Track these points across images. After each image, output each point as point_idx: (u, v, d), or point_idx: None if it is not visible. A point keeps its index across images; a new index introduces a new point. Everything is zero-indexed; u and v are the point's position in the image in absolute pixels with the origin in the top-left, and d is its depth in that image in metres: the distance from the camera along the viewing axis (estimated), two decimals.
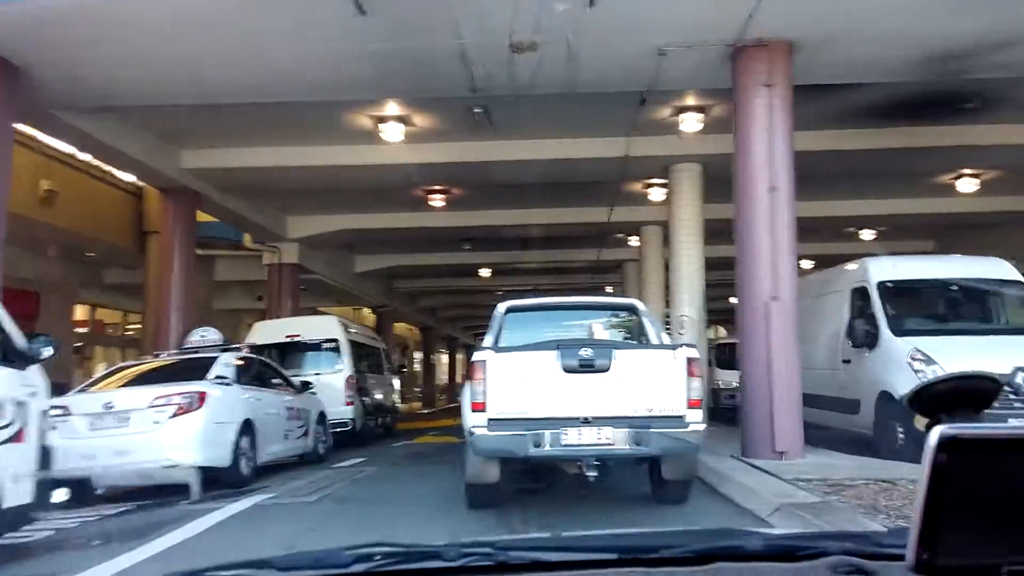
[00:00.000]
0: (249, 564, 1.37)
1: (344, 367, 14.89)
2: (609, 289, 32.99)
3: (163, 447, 8.73)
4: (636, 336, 8.71)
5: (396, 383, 19.29)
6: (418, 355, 45.87)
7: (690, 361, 6.64)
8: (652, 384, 6.62)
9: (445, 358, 53.35)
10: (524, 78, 11.35)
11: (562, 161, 15.74)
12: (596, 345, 7.08)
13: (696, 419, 6.53)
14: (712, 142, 15.28)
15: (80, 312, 23.85)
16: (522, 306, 8.79)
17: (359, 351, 16.19)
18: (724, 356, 19.63)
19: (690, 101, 13.63)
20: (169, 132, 14.74)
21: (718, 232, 16.25)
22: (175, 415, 8.90)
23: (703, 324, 15.85)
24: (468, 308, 42.02)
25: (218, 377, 9.76)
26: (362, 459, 12.34)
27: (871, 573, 1.21)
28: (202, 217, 20.38)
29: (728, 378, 18.72)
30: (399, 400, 19.55)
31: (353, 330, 15.96)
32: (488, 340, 7.81)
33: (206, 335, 11.23)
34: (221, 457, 9.24)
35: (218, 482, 9.26)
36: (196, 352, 10.87)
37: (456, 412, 28.63)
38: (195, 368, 9.94)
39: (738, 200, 10.03)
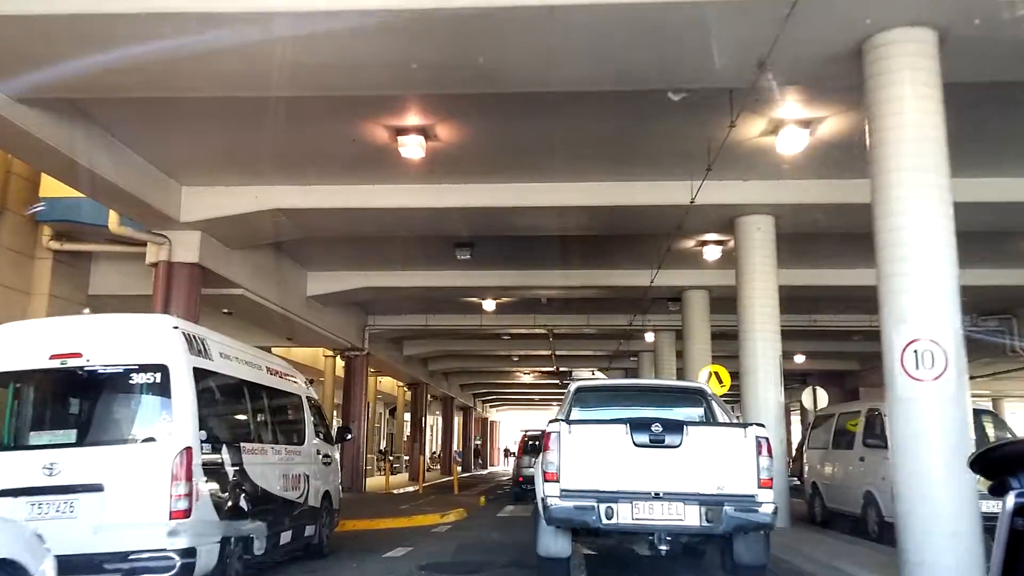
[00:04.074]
0: None
1: (176, 429, 6.31)
2: (650, 337, 24.48)
3: None
4: (705, 419, 8.49)
5: (333, 460, 10.58)
6: (407, 417, 37.14)
7: (760, 440, 6.50)
8: (723, 462, 6.53)
9: (440, 422, 44.44)
10: None
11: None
12: (667, 421, 6.83)
13: (768, 499, 6.39)
14: None
15: None
16: (592, 386, 9.05)
17: (234, 396, 7.64)
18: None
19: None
20: None
21: None
22: None
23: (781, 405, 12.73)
24: (467, 360, 33.37)
25: None
26: None
27: None
28: (59, 190, 12.37)
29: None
30: (339, 490, 10.75)
31: (217, 349, 7.28)
32: (560, 414, 7.86)
33: None
34: None
35: None
36: None
37: (450, 501, 18.67)
38: None
39: None
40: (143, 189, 11.52)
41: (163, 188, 12.08)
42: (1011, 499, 0.99)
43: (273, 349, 22.95)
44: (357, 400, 23.41)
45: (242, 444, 7.38)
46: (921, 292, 7.03)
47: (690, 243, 15.60)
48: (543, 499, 6.61)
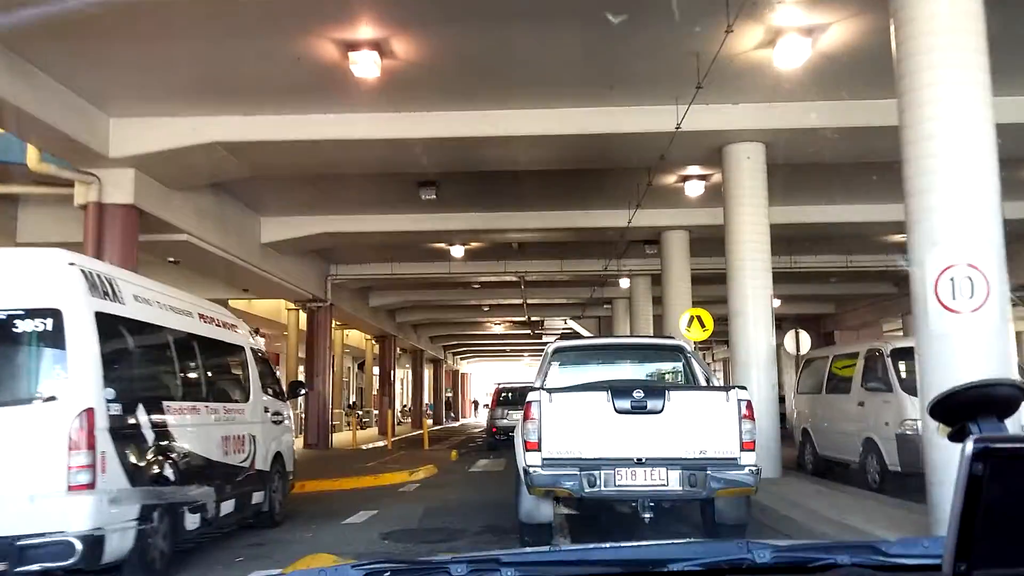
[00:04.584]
0: None
1: (74, 386, 5.16)
2: (625, 283, 23.53)
3: None
4: (683, 376, 8.59)
5: (286, 419, 9.48)
6: (376, 371, 36.04)
7: (743, 403, 6.42)
8: (705, 426, 6.48)
9: (410, 375, 43.50)
10: None
11: None
12: (649, 387, 7.00)
13: (750, 461, 6.34)
14: None
15: None
16: (569, 346, 9.07)
17: (155, 347, 6.46)
18: None
19: None
20: None
21: None
22: None
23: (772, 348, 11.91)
24: (436, 311, 32.30)
25: None
26: None
27: None
28: None
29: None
30: (293, 450, 9.65)
31: (130, 291, 6.06)
32: (537, 380, 7.80)
33: None
34: None
35: None
36: None
37: (420, 456, 17.73)
38: None
39: None
40: (62, 119, 10.13)
41: (87, 118, 10.68)
42: (970, 444, 0.93)
43: (231, 302, 21.70)
44: (321, 354, 22.23)
45: (166, 403, 6.23)
46: (958, 209, 6.03)
47: (671, 178, 14.54)
48: (525, 468, 6.46)
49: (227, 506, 7.24)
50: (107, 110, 10.97)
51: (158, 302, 6.46)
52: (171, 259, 15.13)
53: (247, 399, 8.17)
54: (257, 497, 8.11)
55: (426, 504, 10.33)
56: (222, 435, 7.25)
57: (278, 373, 27.14)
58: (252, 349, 8.59)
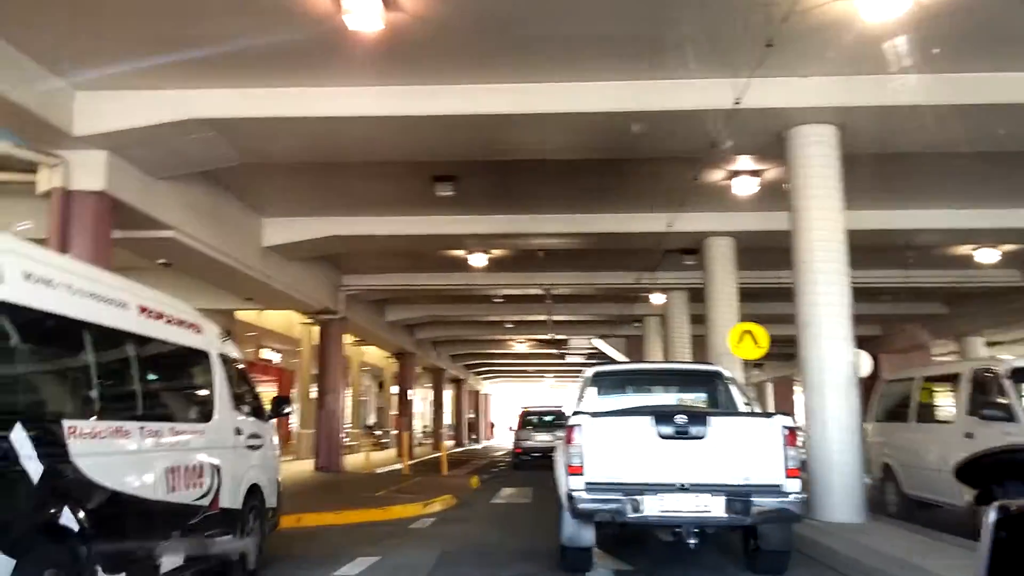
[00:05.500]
0: None
1: None
2: (658, 299, 21.62)
3: None
4: (722, 403, 8.52)
5: (269, 442, 7.69)
6: (395, 389, 34.27)
7: (787, 430, 6.42)
8: (749, 452, 6.48)
9: (431, 395, 41.62)
10: None
11: None
12: (692, 412, 6.97)
13: (795, 488, 6.35)
14: None
15: None
16: (608, 371, 9.09)
17: (62, 347, 4.69)
18: None
19: None
20: None
21: None
22: None
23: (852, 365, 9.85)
24: (456, 327, 30.49)
25: None
26: None
27: None
28: None
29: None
30: (276, 481, 7.83)
31: (21, 268, 4.27)
32: (577, 404, 7.96)
33: None
34: None
35: None
36: None
37: (438, 483, 15.71)
38: None
39: None
40: (14, 87, 8.51)
41: (47, 89, 9.03)
42: (993, 512, 0.92)
43: (237, 313, 20.05)
44: (333, 369, 20.48)
45: (71, 424, 4.45)
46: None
47: (717, 175, 12.71)
48: (568, 492, 6.43)
49: (172, 560, 5.44)
50: (72, 80, 9.31)
51: (70, 286, 4.69)
52: (161, 261, 13.47)
53: (209, 418, 6.38)
54: (223, 543, 6.29)
55: (441, 547, 8.48)
56: (167, 465, 5.46)
57: (292, 392, 25.48)
58: (220, 355, 6.81)
